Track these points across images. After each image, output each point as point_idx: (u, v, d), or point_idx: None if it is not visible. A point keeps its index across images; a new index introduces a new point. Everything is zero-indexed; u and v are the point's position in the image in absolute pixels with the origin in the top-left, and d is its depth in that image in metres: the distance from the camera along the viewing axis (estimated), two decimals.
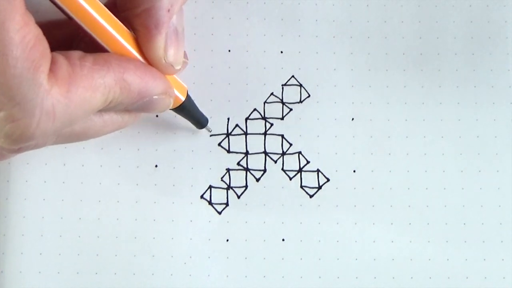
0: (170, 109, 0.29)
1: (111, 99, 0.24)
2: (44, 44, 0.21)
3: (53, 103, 0.21)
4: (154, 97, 0.26)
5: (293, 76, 0.33)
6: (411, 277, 0.32)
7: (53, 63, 0.22)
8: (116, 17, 0.25)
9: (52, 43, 0.22)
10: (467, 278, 0.32)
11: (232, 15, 0.33)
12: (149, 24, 0.25)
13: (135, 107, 0.26)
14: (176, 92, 0.28)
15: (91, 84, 0.23)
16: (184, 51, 0.27)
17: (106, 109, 0.25)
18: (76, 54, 0.23)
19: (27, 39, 0.20)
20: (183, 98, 0.29)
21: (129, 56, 0.25)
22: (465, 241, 0.33)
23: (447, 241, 0.32)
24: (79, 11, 0.23)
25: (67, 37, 0.27)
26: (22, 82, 0.20)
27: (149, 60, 0.26)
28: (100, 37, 0.24)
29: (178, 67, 0.27)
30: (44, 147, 0.25)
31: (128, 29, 0.25)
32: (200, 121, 0.32)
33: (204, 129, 0.32)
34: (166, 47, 0.25)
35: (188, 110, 0.30)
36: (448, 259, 0.32)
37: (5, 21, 0.20)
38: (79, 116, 0.23)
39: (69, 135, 0.25)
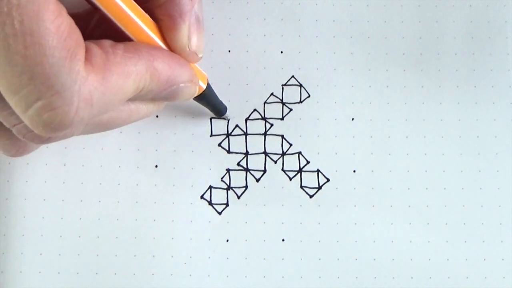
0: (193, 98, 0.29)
1: (142, 86, 0.24)
2: (78, 33, 0.21)
3: (90, 91, 0.22)
4: (181, 85, 0.26)
5: (293, 76, 0.33)
6: (411, 277, 0.32)
7: (87, 51, 0.22)
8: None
9: None
10: (467, 278, 0.32)
11: (232, 15, 0.33)
12: (173, 13, 0.25)
13: (162, 95, 0.26)
14: (200, 81, 0.28)
15: (124, 71, 0.23)
16: None
17: (135, 97, 0.25)
18: (107, 42, 0.23)
19: (62, 29, 0.20)
20: (204, 86, 0.29)
21: (156, 46, 0.25)
22: (465, 241, 0.33)
23: (447, 241, 0.32)
24: (106, 1, 0.23)
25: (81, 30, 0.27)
26: (60, 71, 0.20)
27: (173, 49, 0.26)
28: (126, 27, 0.24)
29: (201, 55, 0.27)
30: (69, 137, 0.25)
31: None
32: (219, 109, 0.32)
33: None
34: (189, 35, 0.26)
35: (209, 98, 0.30)
36: (448, 259, 0.32)
37: (40, 11, 0.20)
38: (113, 104, 0.23)
39: (97, 124, 0.25)
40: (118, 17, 0.24)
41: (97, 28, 0.27)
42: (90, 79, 0.22)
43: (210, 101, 0.31)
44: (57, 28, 0.20)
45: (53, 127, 0.22)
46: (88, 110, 0.22)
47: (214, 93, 0.30)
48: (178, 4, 0.25)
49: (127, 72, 0.23)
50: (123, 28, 0.24)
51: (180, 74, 0.26)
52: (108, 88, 0.22)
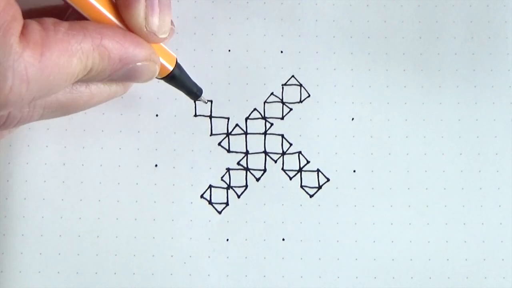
0: (161, 79, 0.28)
1: (91, 66, 0.23)
2: (15, 8, 0.21)
3: (25, 66, 0.21)
4: (138, 64, 0.25)
5: (293, 76, 0.33)
6: (411, 277, 0.32)
7: (24, 27, 0.22)
8: None
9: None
10: (467, 278, 0.32)
11: (232, 15, 0.33)
12: None
13: (119, 75, 0.25)
14: (164, 62, 0.27)
15: (66, 49, 0.22)
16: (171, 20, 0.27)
17: (89, 78, 0.24)
18: (50, 20, 0.23)
19: None
20: (171, 68, 0.28)
21: (110, 25, 0.25)
22: (465, 241, 0.33)
23: (447, 241, 0.32)
24: None
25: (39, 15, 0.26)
26: None
27: (131, 29, 0.25)
28: (79, 6, 0.24)
29: (163, 36, 0.26)
30: (30, 122, 0.25)
31: None
32: (193, 92, 0.30)
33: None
34: (146, 15, 0.25)
35: (179, 80, 0.29)
36: (448, 259, 0.32)
37: None
38: (57, 83, 0.23)
39: (56, 107, 0.25)
40: None
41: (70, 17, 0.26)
42: (25, 55, 0.21)
43: (181, 83, 0.30)
44: None
45: None
46: (25, 88, 0.21)
47: (187, 75, 0.29)
48: None
49: (71, 50, 0.22)
50: (77, 8, 0.24)
51: (135, 53, 0.25)
52: (47, 65, 0.22)
